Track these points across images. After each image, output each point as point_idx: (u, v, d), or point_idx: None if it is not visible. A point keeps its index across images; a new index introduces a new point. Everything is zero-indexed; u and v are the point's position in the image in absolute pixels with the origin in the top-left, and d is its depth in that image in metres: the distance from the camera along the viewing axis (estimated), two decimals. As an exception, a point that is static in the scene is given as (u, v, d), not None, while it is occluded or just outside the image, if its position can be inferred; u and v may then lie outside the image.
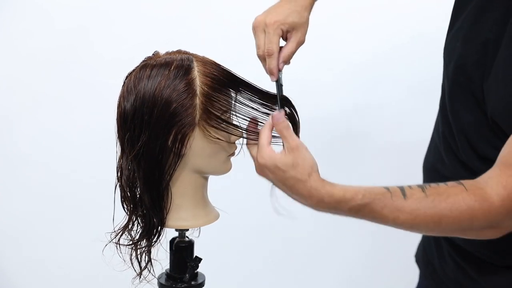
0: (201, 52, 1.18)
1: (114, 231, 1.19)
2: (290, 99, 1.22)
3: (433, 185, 1.12)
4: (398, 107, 2.16)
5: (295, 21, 1.27)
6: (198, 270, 1.24)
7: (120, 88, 1.15)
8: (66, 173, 2.01)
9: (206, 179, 1.21)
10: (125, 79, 1.15)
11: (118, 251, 1.19)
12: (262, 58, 1.27)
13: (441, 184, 1.12)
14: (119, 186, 1.18)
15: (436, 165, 1.42)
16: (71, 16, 1.95)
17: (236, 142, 1.21)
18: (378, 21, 2.09)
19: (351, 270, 2.31)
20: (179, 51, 1.17)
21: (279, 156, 1.09)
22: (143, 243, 1.18)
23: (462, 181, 1.12)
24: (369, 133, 2.19)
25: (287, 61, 1.27)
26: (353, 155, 2.20)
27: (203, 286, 1.24)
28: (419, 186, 1.12)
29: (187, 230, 1.23)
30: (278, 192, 1.13)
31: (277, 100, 1.21)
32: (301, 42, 1.30)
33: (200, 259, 1.23)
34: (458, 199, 1.09)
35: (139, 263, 1.19)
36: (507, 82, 1.16)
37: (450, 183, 1.12)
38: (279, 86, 1.23)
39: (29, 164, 2.00)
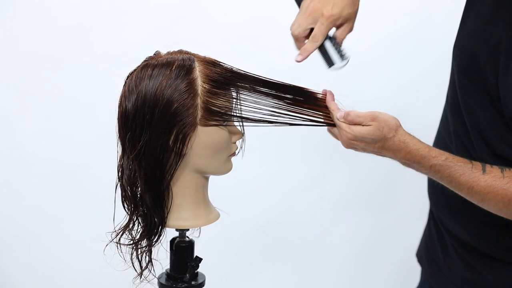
0: (202, 52, 1.18)
1: (115, 231, 1.18)
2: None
3: None
4: (396, 105, 2.16)
5: (350, 12, 1.32)
6: (198, 270, 1.24)
7: (121, 87, 1.15)
8: (66, 173, 2.01)
9: (207, 179, 1.21)
10: (127, 78, 1.15)
11: (119, 251, 1.18)
12: (296, 39, 1.33)
13: None
14: (120, 185, 1.18)
15: None
16: (72, 16, 1.95)
17: (236, 142, 1.21)
18: (376, 21, 2.09)
19: (351, 270, 2.31)
20: (180, 51, 1.17)
21: (363, 129, 1.17)
22: (144, 242, 1.18)
23: None
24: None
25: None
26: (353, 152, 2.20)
27: (203, 286, 1.23)
28: (499, 167, 1.19)
29: (188, 230, 1.23)
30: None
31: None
32: (350, 31, 1.35)
33: (200, 259, 1.23)
34: None
35: (140, 263, 1.19)
36: None
37: None
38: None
39: (29, 164, 1.99)
